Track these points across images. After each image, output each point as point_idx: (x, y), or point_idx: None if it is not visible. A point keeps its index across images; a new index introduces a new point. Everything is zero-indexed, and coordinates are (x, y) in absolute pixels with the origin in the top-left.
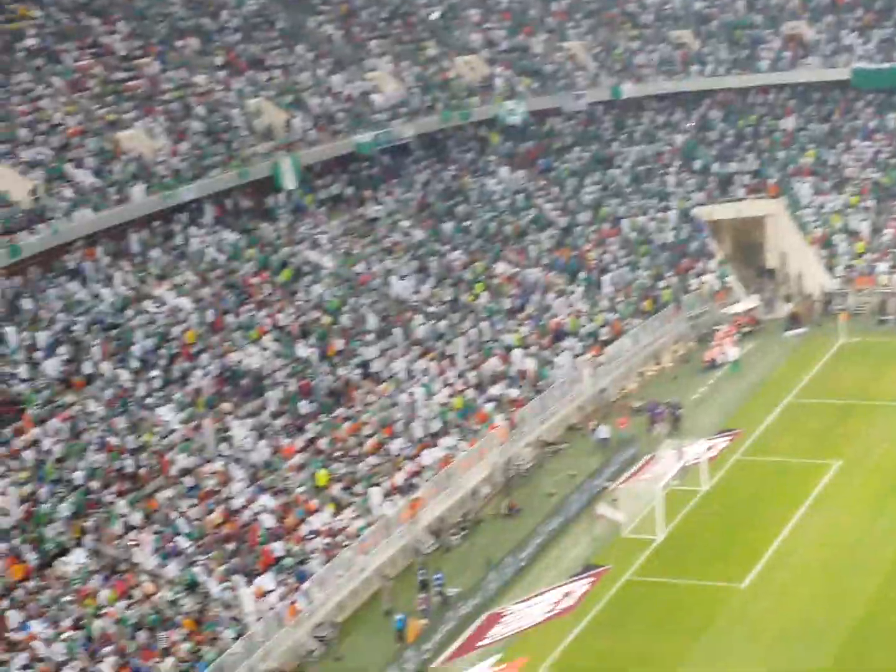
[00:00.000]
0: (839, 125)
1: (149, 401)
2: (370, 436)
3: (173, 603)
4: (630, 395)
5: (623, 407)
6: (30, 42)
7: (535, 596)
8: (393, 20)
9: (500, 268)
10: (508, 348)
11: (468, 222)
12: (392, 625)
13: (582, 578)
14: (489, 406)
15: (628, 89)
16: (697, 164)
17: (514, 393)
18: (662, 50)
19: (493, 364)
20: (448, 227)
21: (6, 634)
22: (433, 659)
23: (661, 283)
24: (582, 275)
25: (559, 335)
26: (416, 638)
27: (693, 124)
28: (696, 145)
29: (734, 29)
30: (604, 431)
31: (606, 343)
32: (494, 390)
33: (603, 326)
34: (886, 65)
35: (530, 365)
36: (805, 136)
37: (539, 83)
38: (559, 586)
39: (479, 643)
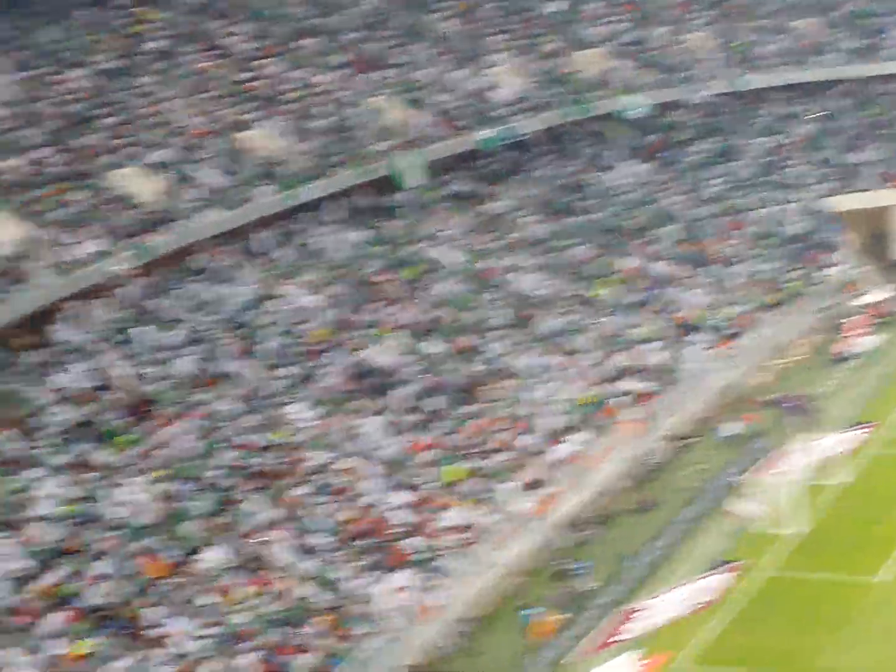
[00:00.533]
0: None
1: (280, 398)
2: (500, 432)
3: (309, 599)
4: (760, 389)
5: (753, 400)
6: (152, 45)
7: (672, 591)
8: (512, 15)
9: (625, 262)
10: (636, 342)
11: (591, 217)
12: (525, 618)
13: (718, 573)
14: (618, 401)
15: (751, 80)
16: (822, 155)
17: (643, 387)
18: (785, 40)
19: (621, 358)
20: (571, 222)
21: (145, 631)
22: (568, 654)
23: (788, 276)
24: (707, 268)
25: (686, 329)
26: (547, 634)
27: (817, 115)
28: (821, 136)
29: (858, 18)
30: (729, 429)
31: (734, 336)
32: (623, 385)
33: (730, 320)
34: None
35: (659, 359)
36: None
37: (660, 76)
38: (695, 581)
39: (616, 638)
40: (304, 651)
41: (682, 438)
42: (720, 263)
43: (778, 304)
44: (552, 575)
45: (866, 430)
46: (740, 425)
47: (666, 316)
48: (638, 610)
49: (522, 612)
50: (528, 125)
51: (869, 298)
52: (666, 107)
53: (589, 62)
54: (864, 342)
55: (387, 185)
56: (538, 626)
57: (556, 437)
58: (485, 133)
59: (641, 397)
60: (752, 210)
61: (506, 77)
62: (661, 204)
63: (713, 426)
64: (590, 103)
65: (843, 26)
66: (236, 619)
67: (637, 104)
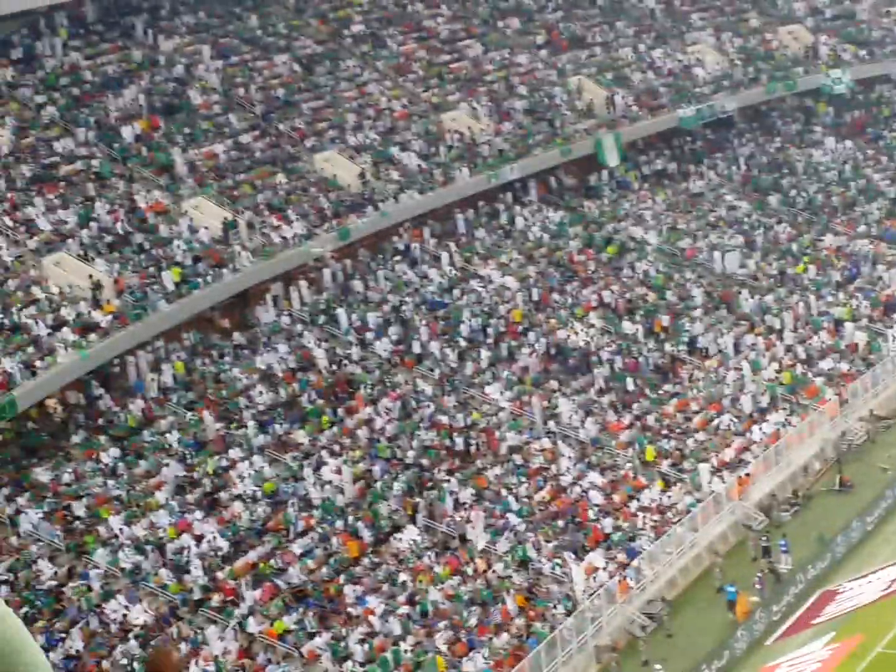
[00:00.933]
0: None
1: (477, 379)
2: (698, 412)
3: (505, 579)
4: None
5: None
6: (356, 28)
7: (871, 573)
8: None
9: (829, 240)
10: (838, 322)
11: (794, 194)
12: (724, 597)
13: None
14: (819, 381)
15: None
16: None
17: (844, 367)
18: None
19: (822, 338)
20: (773, 200)
21: (343, 609)
22: (766, 637)
23: None
24: None
25: (891, 307)
26: (747, 615)
27: None
28: None
29: None
30: None
31: None
32: (824, 364)
33: None
34: None
35: (861, 338)
36: None
37: (865, 51)
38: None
39: (814, 621)
40: (501, 631)
41: (884, 419)
42: None
43: None
44: (752, 556)
45: None
46: None
47: (870, 295)
48: (836, 592)
49: (726, 588)
50: (730, 103)
51: None
52: (872, 82)
53: (793, 38)
54: None
55: (587, 164)
56: (740, 605)
57: (754, 417)
58: (686, 111)
59: (843, 377)
60: None
61: (708, 54)
62: (866, 181)
63: None
64: (793, 80)
65: None
66: (432, 597)
67: (842, 80)
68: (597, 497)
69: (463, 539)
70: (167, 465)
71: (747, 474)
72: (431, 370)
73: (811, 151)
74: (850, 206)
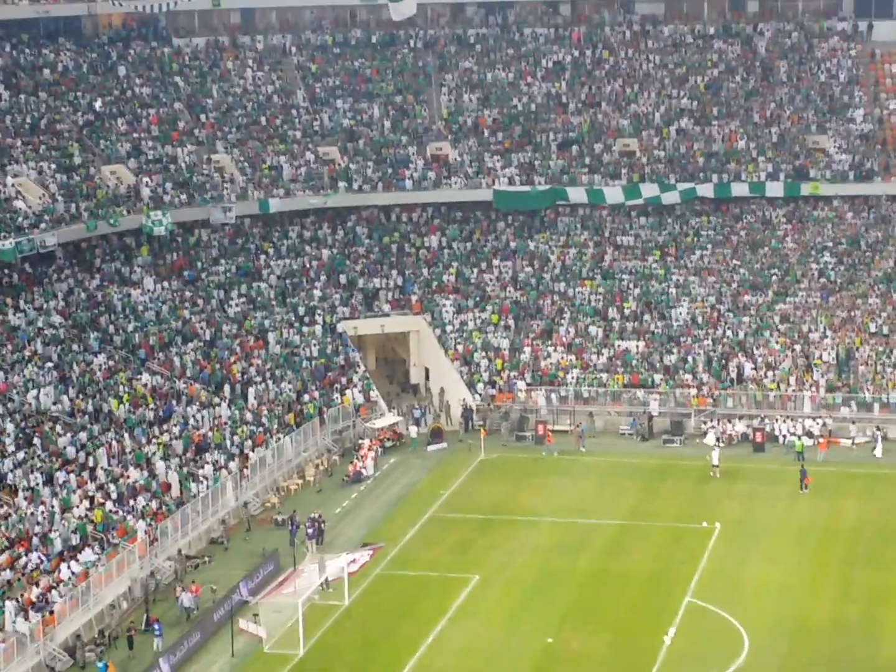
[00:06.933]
0: (481, 244)
1: None
2: (4, 550)
3: None
4: (273, 508)
5: (266, 518)
6: None
7: None
8: (38, 125)
9: (144, 378)
10: (151, 460)
11: (112, 332)
12: None
13: None
14: (130, 519)
15: (276, 203)
16: (343, 279)
17: (155, 505)
18: (310, 165)
19: (135, 475)
20: (91, 336)
21: None
22: None
23: (306, 397)
24: (227, 387)
25: (203, 447)
26: None
27: (338, 240)
28: (342, 260)
29: (381, 147)
30: (187, 599)
31: (249, 456)
32: (136, 503)
33: (247, 439)
34: (526, 187)
35: (174, 478)
36: (448, 254)
37: (187, 194)
38: None
39: None
40: None
41: (193, 558)
42: (240, 383)
43: (295, 425)
44: None
45: (373, 550)
46: (191, 600)
47: (183, 434)
48: None
49: None
50: (50, 237)
51: (381, 421)
52: (192, 225)
53: (115, 177)
54: (374, 464)
55: None
56: None
57: (63, 555)
58: (5, 243)
59: (154, 516)
60: (273, 330)
61: (30, 187)
62: (182, 321)
63: (225, 546)
64: (115, 218)
65: (367, 154)
66: None
67: (162, 221)
68: None
69: None
70: None
71: (51, 612)
72: None
73: (130, 290)
74: (166, 345)
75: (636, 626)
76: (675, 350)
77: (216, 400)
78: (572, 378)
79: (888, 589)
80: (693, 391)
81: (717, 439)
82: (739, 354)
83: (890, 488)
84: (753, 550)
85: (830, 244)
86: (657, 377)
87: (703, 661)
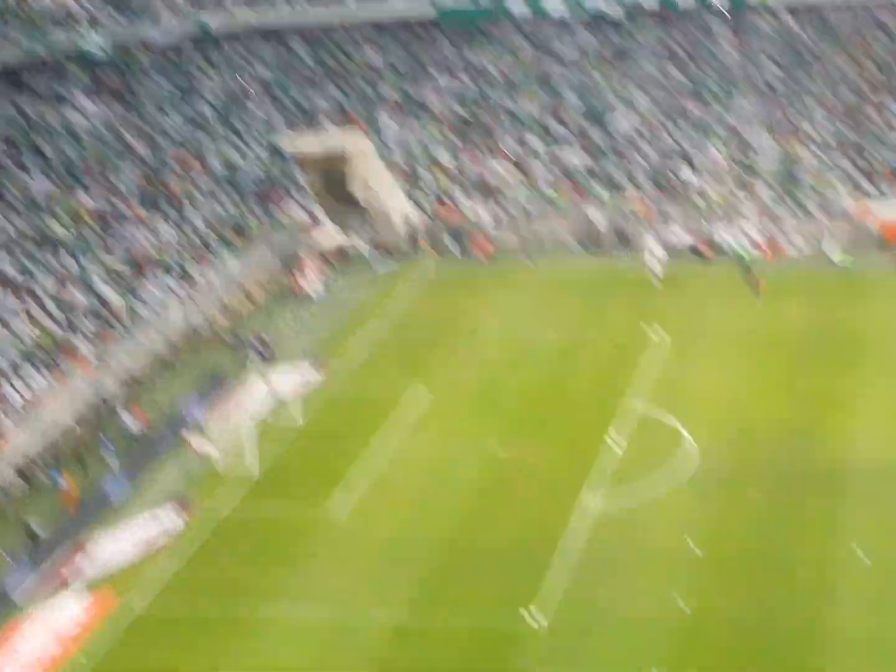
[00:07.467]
0: (424, 61)
1: None
2: None
3: None
4: (220, 327)
5: (213, 339)
6: None
7: (121, 531)
8: None
9: (85, 199)
10: (94, 282)
11: (51, 154)
12: None
13: (168, 511)
14: (76, 340)
15: (215, 22)
16: (283, 97)
17: (101, 326)
18: None
19: (79, 298)
20: (30, 159)
21: None
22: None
23: (249, 216)
24: (168, 207)
25: (146, 268)
26: None
27: (278, 58)
28: (283, 78)
29: None
30: (128, 421)
31: (194, 276)
32: (82, 325)
33: (191, 259)
34: (471, 6)
35: (117, 298)
36: (390, 71)
37: (124, 15)
38: (144, 519)
39: (67, 577)
40: None
41: (138, 379)
42: (181, 202)
43: (238, 245)
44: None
45: (321, 367)
46: (133, 422)
47: (126, 254)
48: (88, 549)
49: None
50: None
51: (325, 239)
52: (129, 46)
53: None
54: (320, 283)
55: None
56: None
57: (8, 377)
58: None
59: (100, 336)
60: (214, 150)
61: None
62: (121, 142)
63: (172, 366)
64: (50, 40)
65: None
66: None
67: (99, 42)
68: None
69: None
70: None
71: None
72: None
73: (67, 111)
74: (106, 166)
75: (581, 436)
76: (618, 162)
77: (159, 220)
78: (518, 194)
79: (834, 394)
80: (637, 204)
81: (661, 251)
82: (683, 165)
83: (839, 293)
84: (701, 359)
85: (775, 54)
86: (602, 189)
87: (651, 467)
